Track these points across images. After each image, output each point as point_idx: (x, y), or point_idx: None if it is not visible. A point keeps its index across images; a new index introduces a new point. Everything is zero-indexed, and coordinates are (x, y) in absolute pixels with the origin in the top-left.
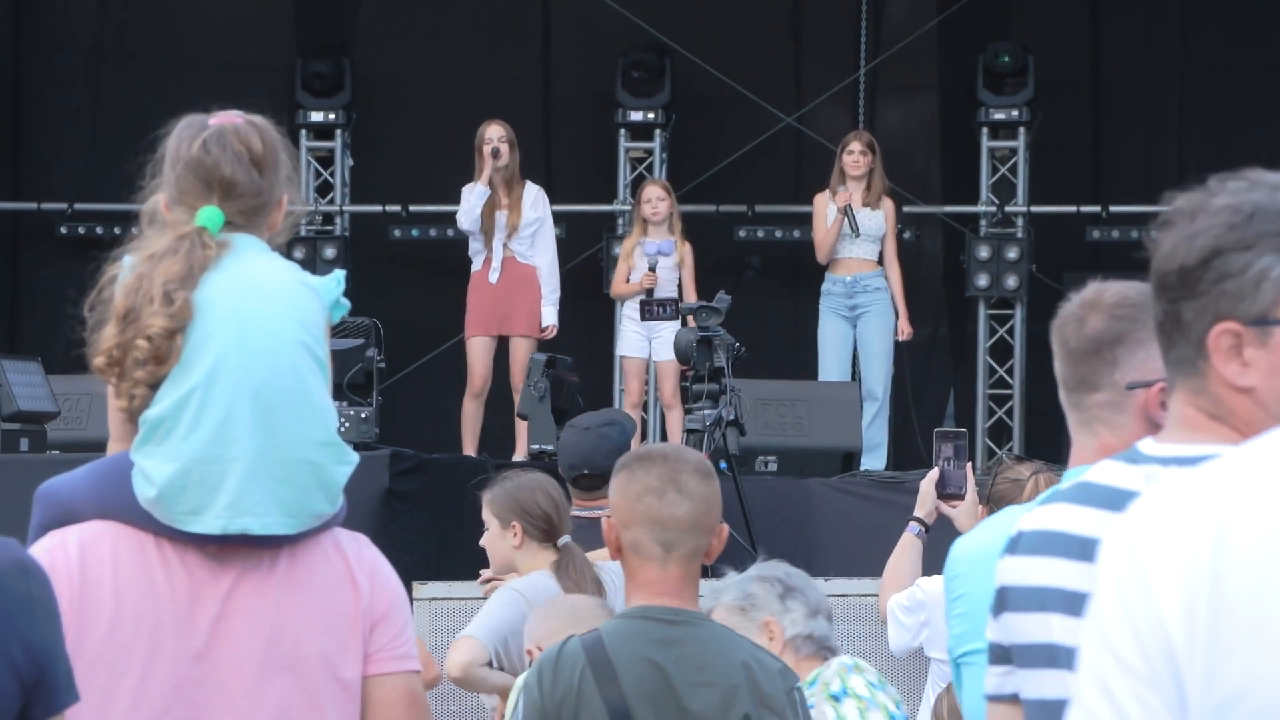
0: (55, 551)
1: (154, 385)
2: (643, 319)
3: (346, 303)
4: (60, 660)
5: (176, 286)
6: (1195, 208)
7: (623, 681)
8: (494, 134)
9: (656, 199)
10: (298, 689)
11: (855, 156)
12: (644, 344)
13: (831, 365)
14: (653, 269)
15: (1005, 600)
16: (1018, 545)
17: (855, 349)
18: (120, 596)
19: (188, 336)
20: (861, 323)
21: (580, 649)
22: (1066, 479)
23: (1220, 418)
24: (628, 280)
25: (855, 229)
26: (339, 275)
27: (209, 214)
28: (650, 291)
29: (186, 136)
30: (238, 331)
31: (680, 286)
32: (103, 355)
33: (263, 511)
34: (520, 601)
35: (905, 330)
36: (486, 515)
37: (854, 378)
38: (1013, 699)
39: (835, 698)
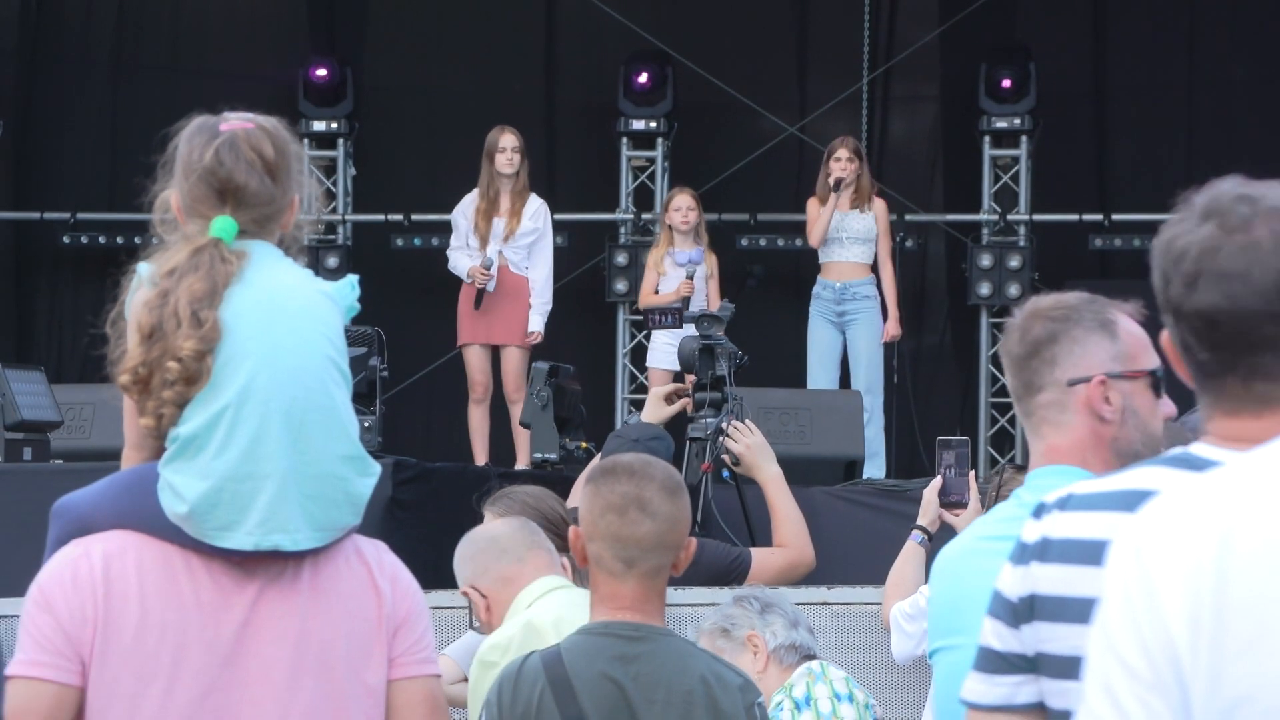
0: (79, 560)
1: (182, 404)
2: (648, 327)
3: (357, 306)
4: None
5: (204, 306)
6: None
7: (581, 699)
8: (507, 143)
9: (686, 208)
10: (325, 694)
11: (842, 163)
12: (675, 356)
13: (819, 371)
14: (690, 277)
15: (1036, 609)
16: (1048, 552)
17: (846, 355)
18: (145, 604)
19: (216, 354)
20: (850, 331)
21: (540, 665)
22: (1028, 484)
23: None
24: (656, 290)
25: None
26: (352, 280)
27: (223, 224)
28: (687, 301)
29: (198, 144)
30: (268, 350)
31: (710, 297)
32: (128, 373)
33: (294, 528)
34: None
35: (892, 331)
36: None
37: (843, 384)
38: (1029, 709)
39: (797, 705)
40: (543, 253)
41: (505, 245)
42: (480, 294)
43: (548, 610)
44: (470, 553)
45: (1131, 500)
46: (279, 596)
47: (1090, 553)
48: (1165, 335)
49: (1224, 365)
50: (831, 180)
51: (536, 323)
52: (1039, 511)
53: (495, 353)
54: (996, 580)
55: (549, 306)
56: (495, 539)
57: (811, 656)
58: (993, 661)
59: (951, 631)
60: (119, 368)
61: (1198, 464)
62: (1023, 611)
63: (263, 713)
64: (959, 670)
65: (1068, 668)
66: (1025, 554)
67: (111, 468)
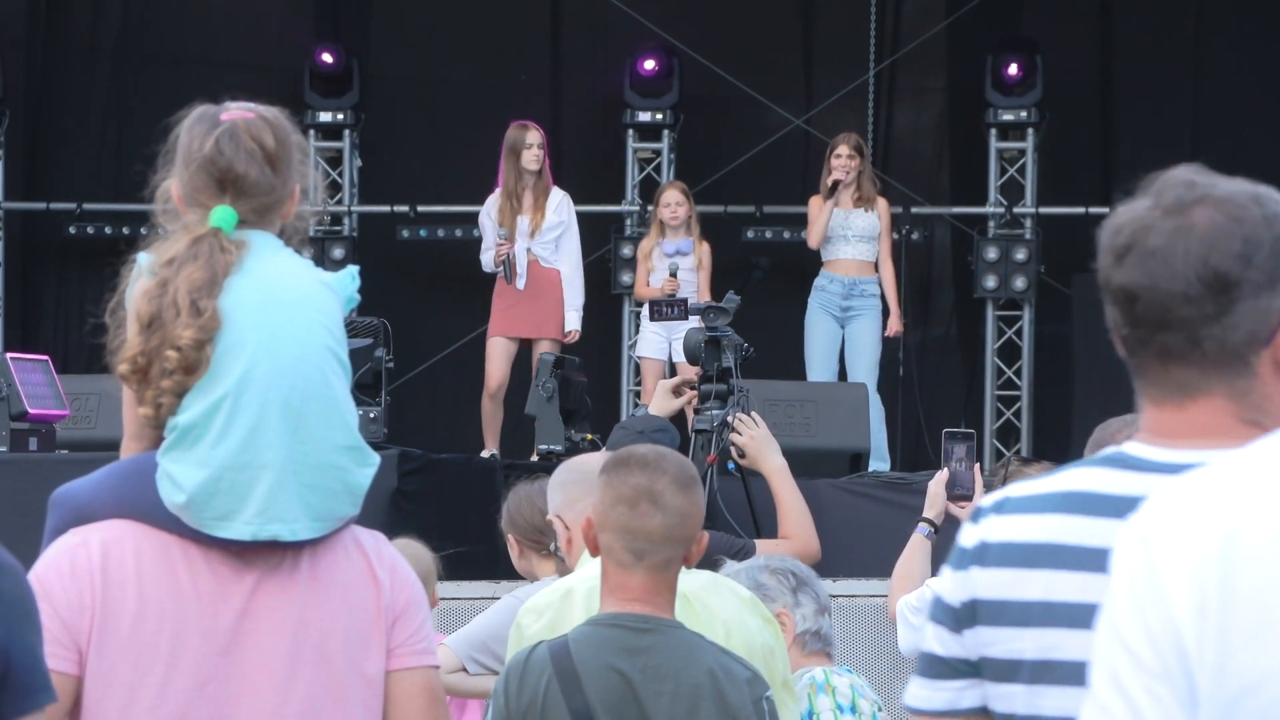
0: (77, 549)
1: (180, 393)
2: (652, 319)
3: (357, 297)
4: (31, 659)
5: (203, 295)
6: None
7: (587, 690)
8: (534, 140)
9: (675, 203)
10: (323, 684)
11: (843, 160)
12: (664, 345)
13: (818, 364)
14: (673, 274)
15: (978, 613)
16: (986, 557)
17: (844, 348)
18: (143, 593)
19: (215, 344)
20: (851, 325)
21: (547, 656)
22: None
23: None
24: (648, 283)
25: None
26: (353, 271)
27: (222, 214)
28: (671, 295)
29: (198, 133)
30: (267, 339)
31: (699, 288)
32: (126, 362)
33: (292, 518)
34: (516, 608)
35: (895, 328)
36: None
37: (841, 377)
38: (972, 714)
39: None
40: (570, 245)
41: (532, 241)
42: (508, 267)
43: (587, 578)
44: (563, 480)
45: (1067, 502)
46: (277, 587)
47: (1028, 555)
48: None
49: (1140, 342)
50: (829, 181)
51: (574, 320)
52: (976, 516)
53: (520, 347)
54: (936, 586)
55: (582, 299)
56: (588, 474)
57: (829, 651)
58: (935, 667)
59: None
60: (118, 357)
61: (1130, 463)
62: (964, 616)
63: (261, 703)
64: None
65: (1009, 671)
66: (964, 559)
67: (116, 458)
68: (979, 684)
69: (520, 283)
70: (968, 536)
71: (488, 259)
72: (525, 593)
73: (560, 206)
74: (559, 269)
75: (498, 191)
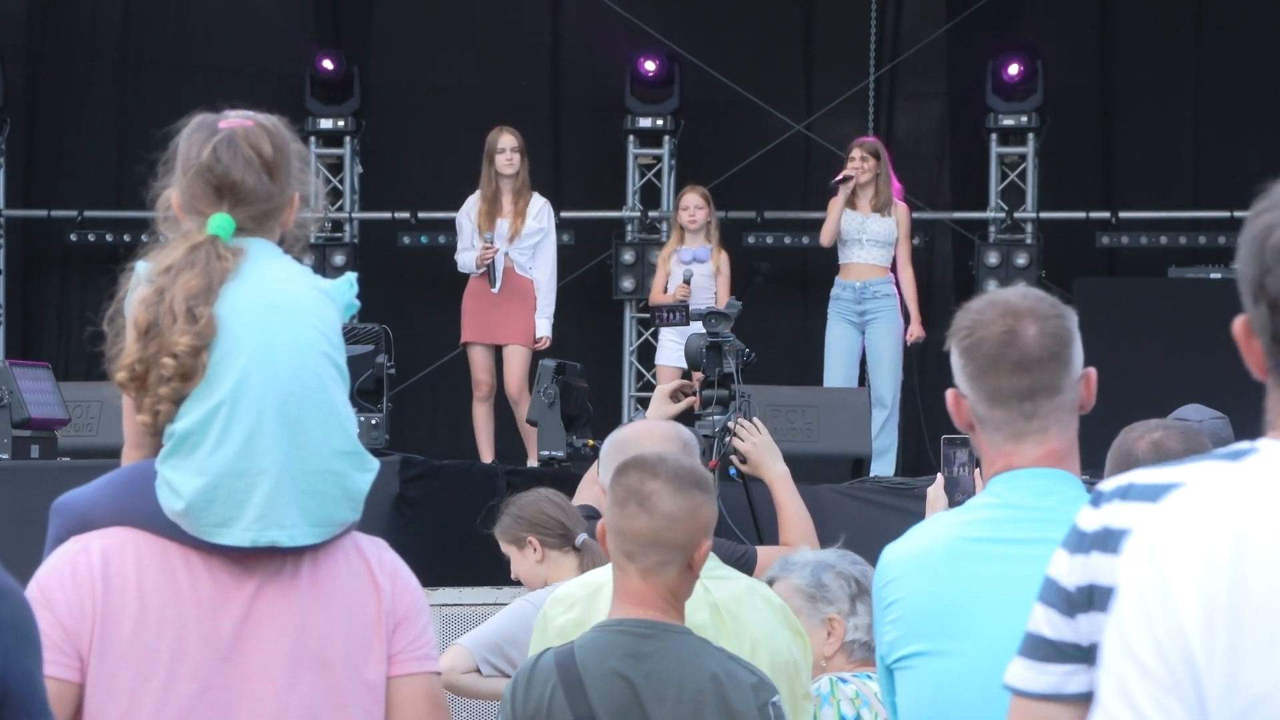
0: (78, 556)
1: (178, 401)
2: (654, 324)
3: (357, 303)
4: (30, 685)
5: (199, 302)
6: None
7: (591, 696)
8: (506, 144)
9: (695, 207)
10: (324, 690)
11: (857, 163)
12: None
13: (837, 371)
14: (687, 280)
15: (1095, 599)
16: (1108, 542)
17: (864, 355)
18: (144, 600)
19: (212, 350)
20: (870, 329)
21: (553, 663)
22: (998, 485)
23: None
24: (666, 289)
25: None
26: (351, 278)
27: (220, 221)
28: (683, 300)
29: (197, 141)
30: (263, 345)
31: (718, 295)
32: (124, 370)
33: (290, 524)
34: (529, 611)
35: (915, 333)
36: (503, 546)
37: (861, 383)
38: (1078, 699)
39: None
40: (546, 253)
41: (510, 246)
42: (491, 271)
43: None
44: (615, 457)
45: None
46: (278, 592)
47: None
48: (1241, 323)
49: None
50: (838, 176)
51: (544, 328)
52: (1097, 500)
53: (498, 351)
54: (1049, 568)
55: (553, 308)
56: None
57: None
58: (1043, 649)
59: (938, 636)
60: (116, 365)
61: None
62: (1079, 601)
63: (261, 708)
64: (947, 680)
65: None
66: (1084, 542)
67: (118, 465)
68: (1087, 670)
69: (496, 286)
70: (1088, 520)
71: (465, 259)
72: (538, 596)
73: (540, 213)
74: (533, 278)
75: (477, 193)
